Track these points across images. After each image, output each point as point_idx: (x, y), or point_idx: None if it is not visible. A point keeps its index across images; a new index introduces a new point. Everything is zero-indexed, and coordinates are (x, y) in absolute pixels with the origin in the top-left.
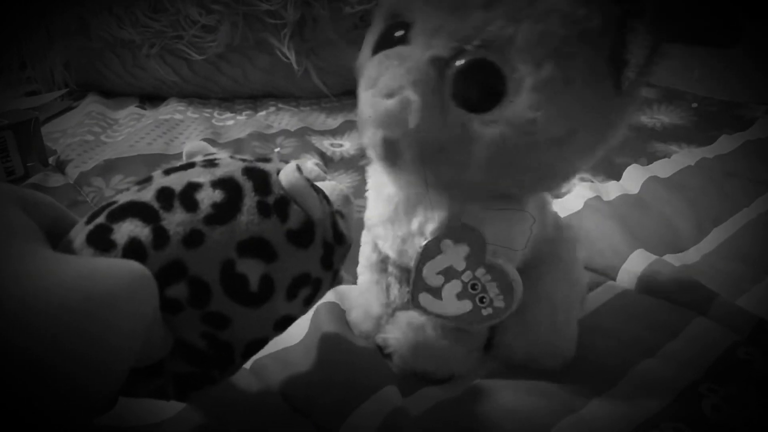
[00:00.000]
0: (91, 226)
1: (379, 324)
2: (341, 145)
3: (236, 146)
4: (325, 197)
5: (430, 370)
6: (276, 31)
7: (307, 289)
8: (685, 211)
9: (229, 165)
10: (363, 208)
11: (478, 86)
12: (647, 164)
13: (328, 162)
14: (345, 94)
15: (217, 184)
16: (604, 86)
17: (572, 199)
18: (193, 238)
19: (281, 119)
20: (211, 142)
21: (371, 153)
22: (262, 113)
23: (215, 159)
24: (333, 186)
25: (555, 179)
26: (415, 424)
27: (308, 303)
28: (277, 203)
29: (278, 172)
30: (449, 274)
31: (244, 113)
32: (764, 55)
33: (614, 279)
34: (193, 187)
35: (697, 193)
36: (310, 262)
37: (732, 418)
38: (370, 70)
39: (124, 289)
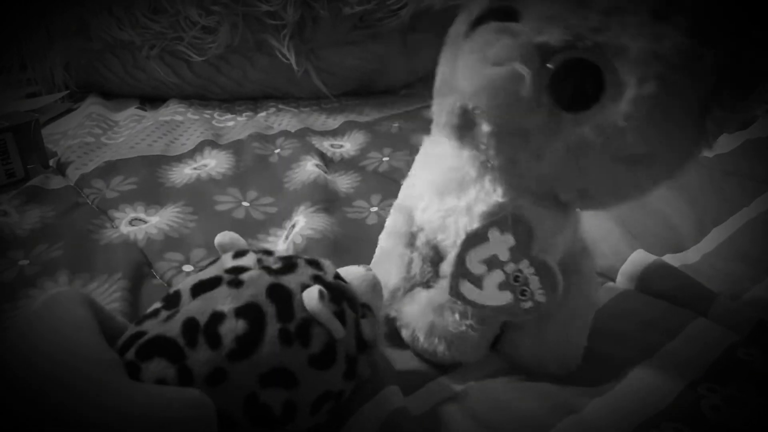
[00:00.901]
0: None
1: (394, 296)
2: (341, 146)
3: (236, 147)
4: (350, 300)
5: (440, 352)
6: (276, 32)
7: (329, 402)
8: (685, 210)
9: (255, 283)
10: None
11: (576, 84)
12: None
13: (328, 163)
14: (345, 95)
15: (240, 312)
16: (690, 124)
17: None
18: (216, 376)
19: (281, 120)
20: (212, 143)
21: (441, 121)
22: (263, 114)
23: (242, 274)
24: (362, 276)
25: (612, 199)
26: (416, 424)
27: (331, 411)
28: (299, 328)
29: (303, 288)
30: (492, 263)
31: (244, 114)
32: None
33: (614, 280)
34: (217, 318)
35: (696, 192)
36: (333, 380)
37: (731, 419)
38: (480, 36)
39: (192, 415)
